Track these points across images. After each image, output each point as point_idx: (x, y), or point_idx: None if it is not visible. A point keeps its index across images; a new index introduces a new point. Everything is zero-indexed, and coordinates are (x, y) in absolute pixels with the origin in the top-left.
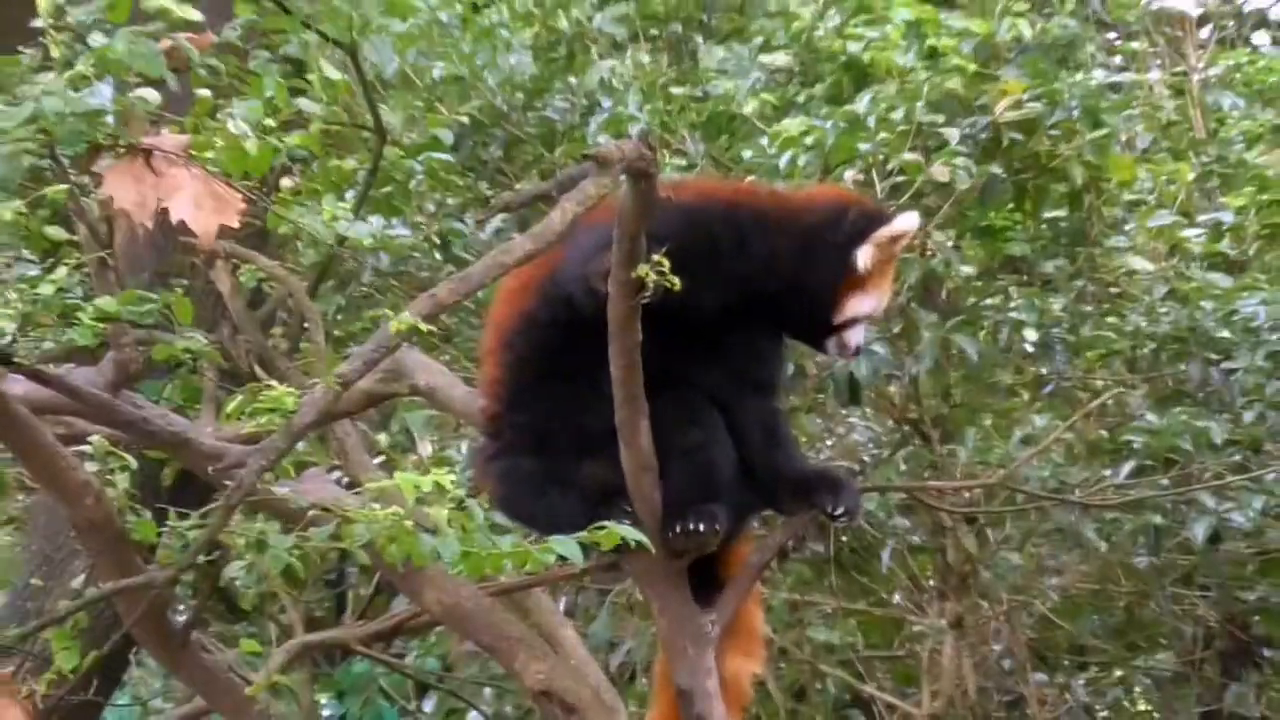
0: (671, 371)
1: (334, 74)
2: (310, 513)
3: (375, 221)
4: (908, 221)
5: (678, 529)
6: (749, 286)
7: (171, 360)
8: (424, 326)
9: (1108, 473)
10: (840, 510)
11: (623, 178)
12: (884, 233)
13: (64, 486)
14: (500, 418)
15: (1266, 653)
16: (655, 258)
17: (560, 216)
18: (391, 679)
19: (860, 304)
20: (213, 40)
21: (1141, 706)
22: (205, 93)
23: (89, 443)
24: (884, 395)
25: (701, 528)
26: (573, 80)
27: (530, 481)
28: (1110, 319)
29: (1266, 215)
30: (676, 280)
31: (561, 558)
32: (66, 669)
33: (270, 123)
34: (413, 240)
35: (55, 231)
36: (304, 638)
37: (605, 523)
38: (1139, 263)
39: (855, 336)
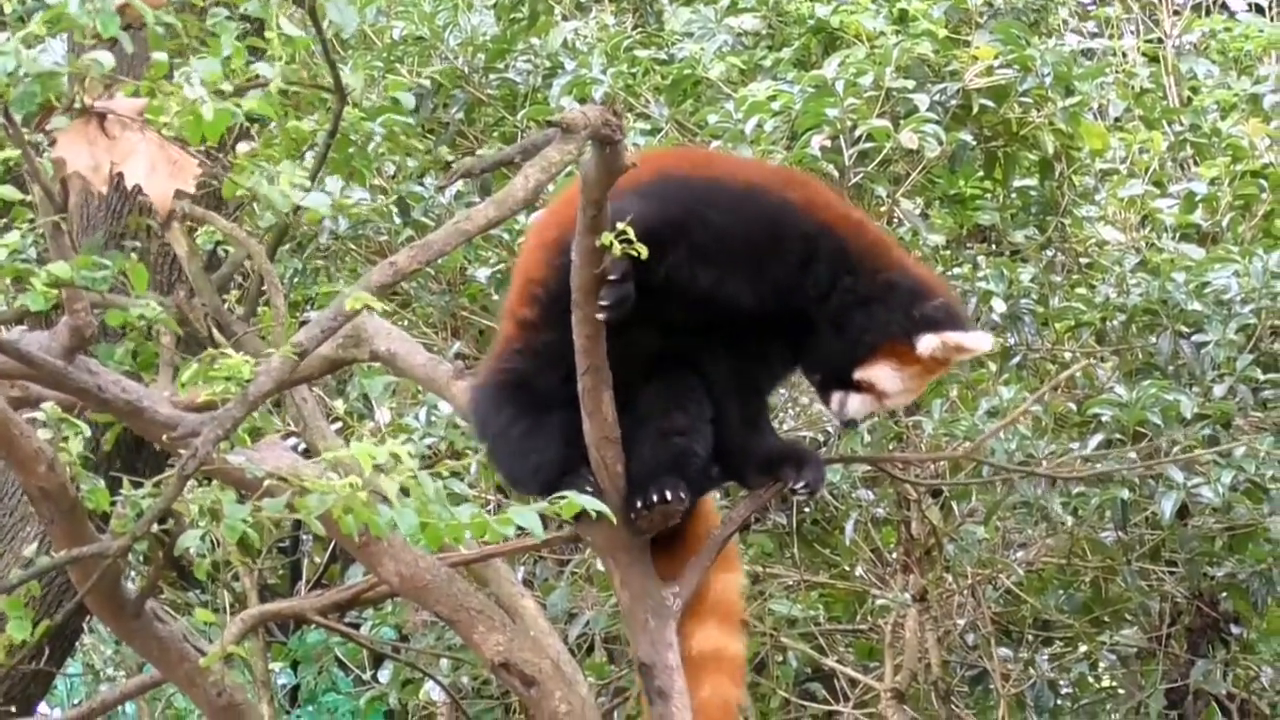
0: (682, 353)
1: (294, 31)
2: (266, 482)
3: (333, 184)
4: (981, 341)
5: (640, 503)
6: (792, 301)
7: (127, 326)
8: (377, 305)
9: (1075, 446)
10: (802, 484)
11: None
12: (958, 336)
13: (16, 453)
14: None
15: (1234, 629)
16: (620, 225)
17: (524, 183)
18: (346, 648)
19: (886, 379)
20: None
21: (1107, 682)
22: (161, 56)
23: (41, 409)
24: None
25: (667, 496)
26: (535, 42)
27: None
28: (1080, 290)
29: (1240, 186)
30: (643, 249)
31: (520, 529)
32: (18, 639)
33: (227, 87)
34: (371, 205)
35: (8, 191)
36: (261, 608)
37: (565, 493)
38: (1110, 233)
39: (857, 406)
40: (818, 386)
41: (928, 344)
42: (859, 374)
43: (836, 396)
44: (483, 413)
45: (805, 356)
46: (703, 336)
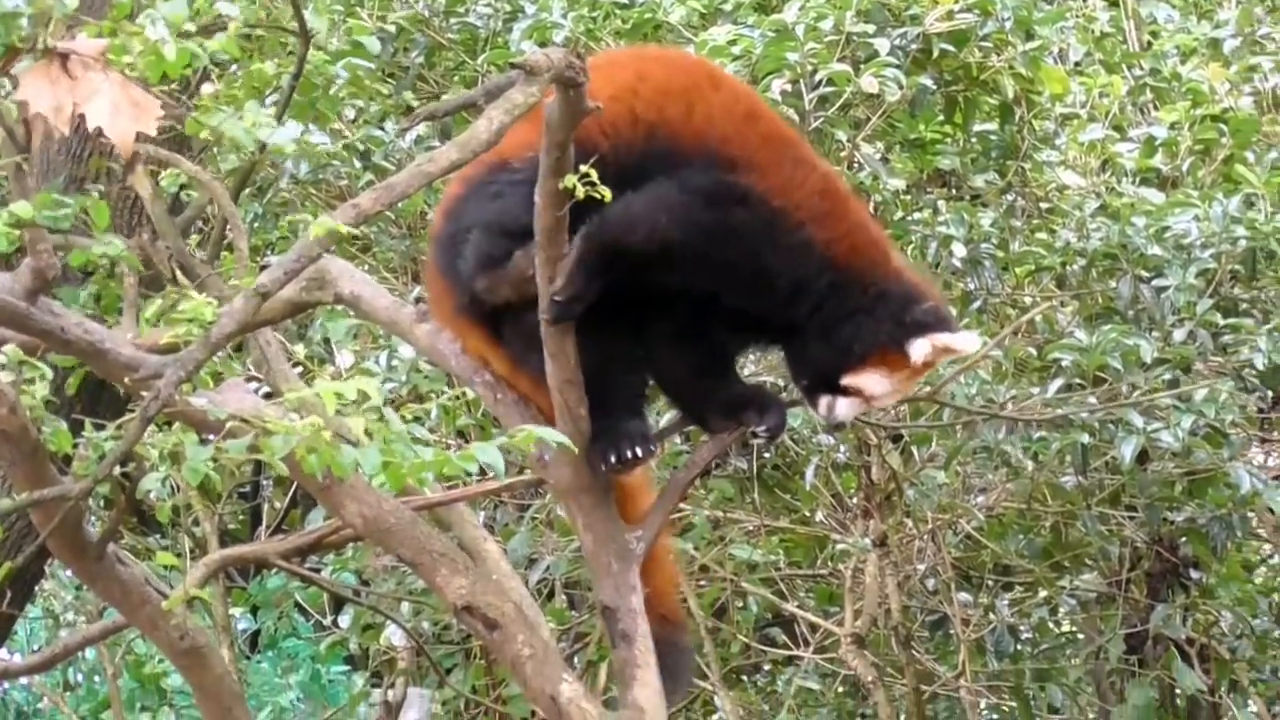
0: (663, 298)
1: None
2: (228, 424)
3: (295, 129)
4: (970, 342)
5: (612, 458)
6: (780, 317)
7: (90, 266)
8: (345, 229)
9: (1035, 391)
10: (764, 428)
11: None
12: (947, 338)
13: None
14: None
15: (1193, 574)
16: (584, 169)
17: (487, 125)
18: (307, 594)
19: (875, 384)
20: None
21: (1067, 627)
22: None
23: (3, 351)
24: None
25: (639, 453)
26: None
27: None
28: (1040, 234)
29: (1200, 131)
30: (607, 192)
31: (483, 470)
32: None
33: (190, 27)
34: (333, 148)
35: None
36: (224, 552)
37: (525, 426)
38: (1070, 178)
39: (845, 409)
40: (804, 390)
41: (920, 349)
42: (848, 380)
43: (824, 400)
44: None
45: (792, 363)
46: (686, 291)
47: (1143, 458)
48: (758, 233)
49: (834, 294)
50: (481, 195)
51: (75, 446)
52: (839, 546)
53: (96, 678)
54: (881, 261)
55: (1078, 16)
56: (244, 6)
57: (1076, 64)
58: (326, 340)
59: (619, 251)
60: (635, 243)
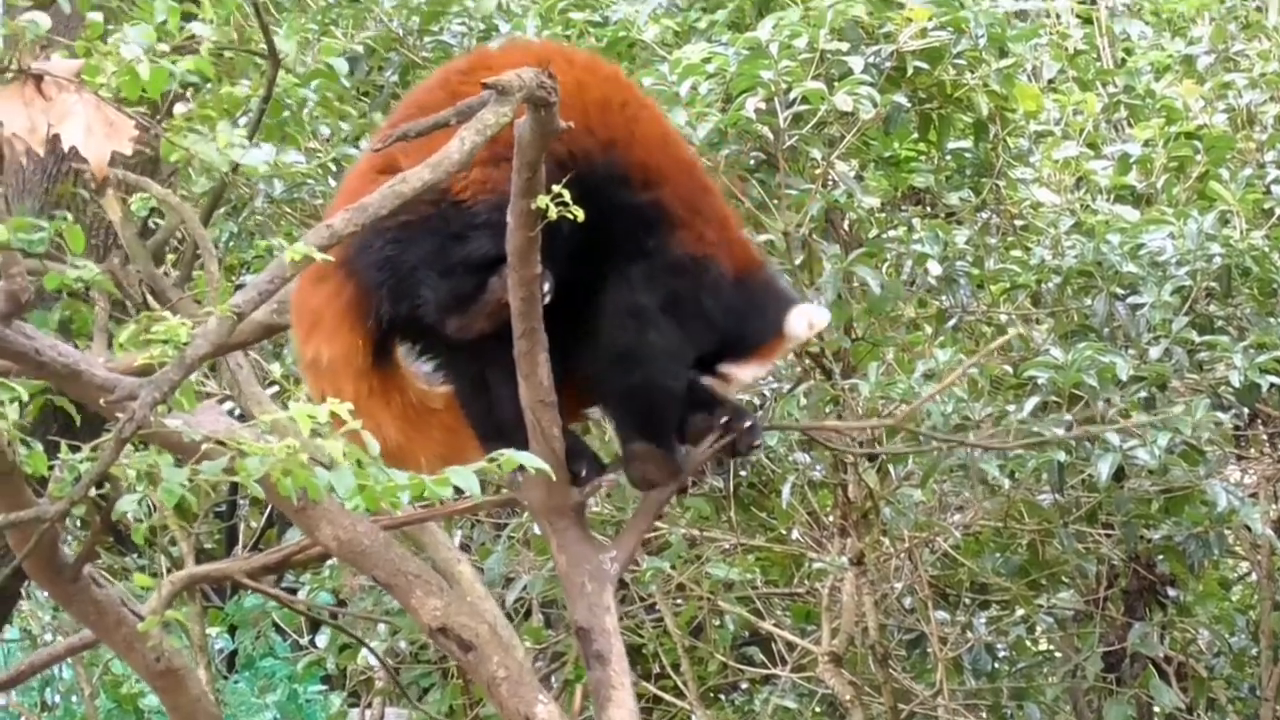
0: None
1: None
2: (204, 446)
3: (267, 151)
4: (823, 313)
5: (588, 489)
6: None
7: (63, 289)
8: (319, 256)
9: (1011, 408)
10: (747, 423)
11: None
12: (813, 311)
13: None
14: None
15: (1171, 592)
16: (556, 189)
17: (459, 145)
18: (284, 613)
19: (749, 373)
20: None
21: (1044, 645)
22: (96, 16)
23: None
24: (759, 251)
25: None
26: (470, 4)
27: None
28: (1015, 252)
29: (1174, 148)
30: (580, 212)
31: (458, 490)
32: None
33: (163, 47)
34: (307, 168)
35: None
36: (191, 570)
37: (503, 450)
38: (1045, 195)
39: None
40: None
41: (799, 327)
42: (725, 368)
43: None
44: None
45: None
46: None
47: (1119, 475)
48: (697, 294)
49: (734, 307)
50: (437, 235)
51: (51, 468)
52: (816, 565)
53: (74, 698)
54: (753, 258)
55: (1051, 34)
56: (216, 29)
57: (1050, 81)
58: None
59: (667, 391)
60: (667, 376)
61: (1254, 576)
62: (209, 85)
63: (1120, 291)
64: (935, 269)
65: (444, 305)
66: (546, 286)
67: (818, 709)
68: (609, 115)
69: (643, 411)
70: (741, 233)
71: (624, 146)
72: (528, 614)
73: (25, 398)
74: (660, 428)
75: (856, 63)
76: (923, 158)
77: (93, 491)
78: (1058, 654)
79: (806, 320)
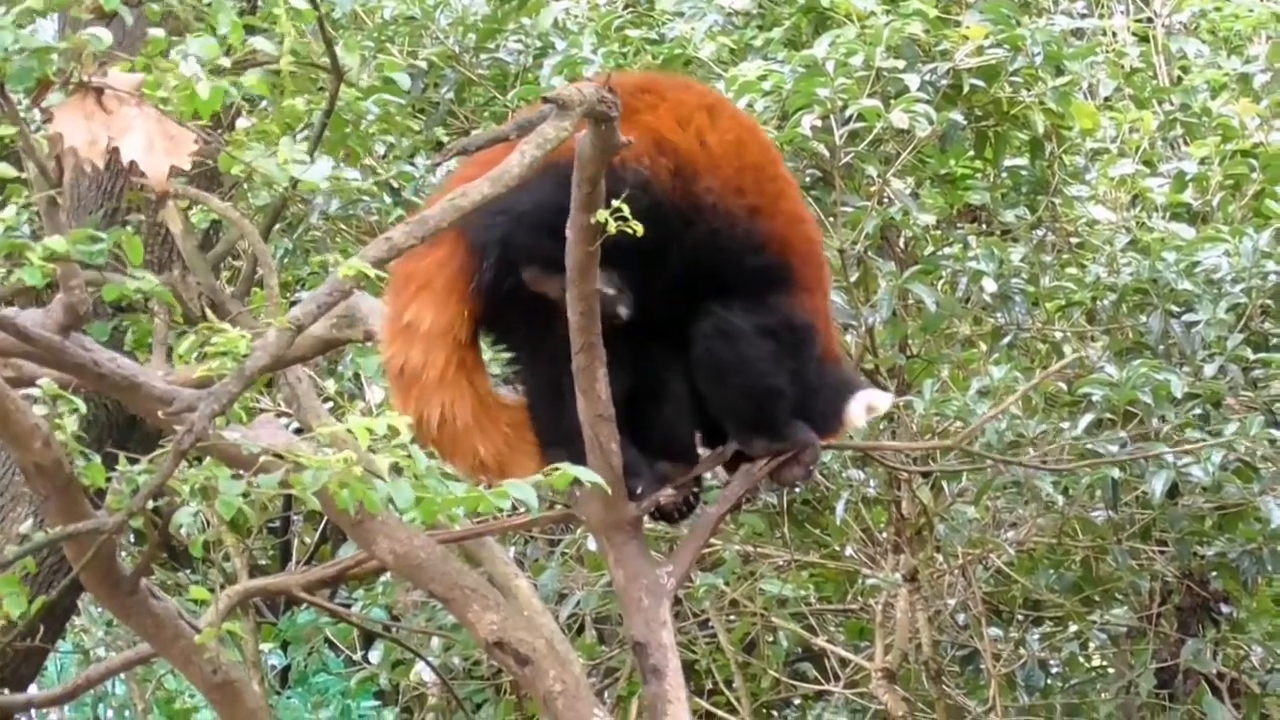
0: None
1: (300, 3)
2: (261, 459)
3: (327, 165)
4: (886, 399)
5: (645, 504)
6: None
7: (122, 302)
8: (372, 273)
9: (1065, 425)
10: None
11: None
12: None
13: (12, 430)
14: None
15: (1224, 608)
16: (615, 204)
17: (519, 159)
18: (337, 629)
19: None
20: None
21: (1097, 661)
22: (158, 32)
23: (37, 386)
24: (840, 345)
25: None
26: (526, 21)
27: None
28: (1070, 269)
29: (1230, 166)
30: (639, 227)
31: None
32: (14, 615)
33: (225, 62)
34: (365, 184)
35: (3, 169)
36: (246, 584)
37: (559, 464)
38: (1100, 212)
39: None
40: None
41: (857, 414)
42: None
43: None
44: None
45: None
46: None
47: (1173, 492)
48: (796, 351)
49: (811, 383)
50: (558, 191)
51: (108, 480)
52: (869, 581)
53: (127, 713)
54: (837, 349)
55: (1108, 52)
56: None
57: (1106, 99)
58: (357, 376)
59: (772, 391)
60: (767, 377)
61: None
62: (265, 101)
63: (1175, 309)
64: (990, 286)
65: (534, 256)
66: (624, 309)
67: None
68: (761, 182)
69: (750, 411)
70: (834, 327)
71: (767, 216)
72: (581, 630)
73: (84, 409)
74: (772, 423)
75: (913, 80)
76: (978, 175)
77: (149, 504)
78: (1111, 670)
79: (865, 405)
